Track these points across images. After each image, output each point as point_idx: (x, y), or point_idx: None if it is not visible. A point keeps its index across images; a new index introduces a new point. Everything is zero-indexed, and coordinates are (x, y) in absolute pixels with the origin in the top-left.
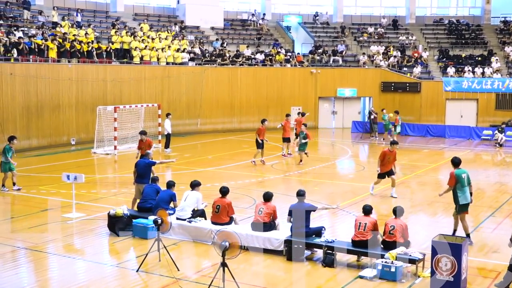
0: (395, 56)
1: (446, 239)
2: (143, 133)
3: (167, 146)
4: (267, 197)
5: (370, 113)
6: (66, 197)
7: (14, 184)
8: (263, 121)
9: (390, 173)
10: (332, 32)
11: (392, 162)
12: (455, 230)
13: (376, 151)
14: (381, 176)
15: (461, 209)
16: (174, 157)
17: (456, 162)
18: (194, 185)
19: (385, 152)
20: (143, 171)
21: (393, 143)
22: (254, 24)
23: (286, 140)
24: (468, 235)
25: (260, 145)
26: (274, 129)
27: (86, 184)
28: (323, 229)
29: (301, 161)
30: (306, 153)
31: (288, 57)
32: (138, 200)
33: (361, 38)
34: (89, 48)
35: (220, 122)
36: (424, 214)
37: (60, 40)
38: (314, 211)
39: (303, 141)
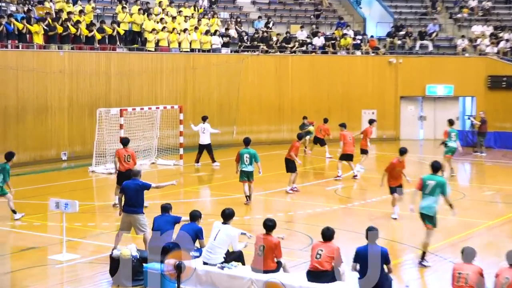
0: (507, 40)
1: None
2: None
3: (197, 160)
4: (328, 234)
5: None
6: (54, 231)
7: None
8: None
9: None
10: (418, 7)
11: (401, 174)
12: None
13: (484, 173)
14: (393, 190)
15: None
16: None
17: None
18: (227, 216)
19: (394, 164)
20: (134, 195)
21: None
22: None
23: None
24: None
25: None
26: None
27: (81, 214)
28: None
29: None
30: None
31: (358, 41)
32: (123, 234)
33: (459, 15)
34: (91, 33)
35: (265, 130)
36: None
37: (50, 21)
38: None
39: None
